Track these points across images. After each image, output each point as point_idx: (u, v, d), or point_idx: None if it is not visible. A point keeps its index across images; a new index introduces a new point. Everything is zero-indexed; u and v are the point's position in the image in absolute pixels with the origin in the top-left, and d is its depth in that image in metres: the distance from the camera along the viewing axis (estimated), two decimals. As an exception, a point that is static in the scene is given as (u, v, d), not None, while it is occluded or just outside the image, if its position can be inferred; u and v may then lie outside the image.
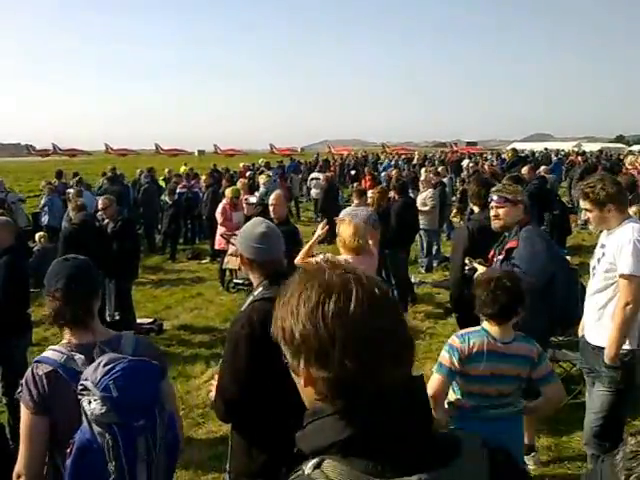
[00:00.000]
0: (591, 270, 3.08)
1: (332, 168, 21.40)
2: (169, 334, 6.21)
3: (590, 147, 41.05)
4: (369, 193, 7.03)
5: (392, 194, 7.25)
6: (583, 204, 2.95)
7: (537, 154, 29.39)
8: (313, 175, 16.15)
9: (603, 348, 2.86)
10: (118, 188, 10.89)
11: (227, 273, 7.96)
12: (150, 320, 6.37)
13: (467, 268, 3.58)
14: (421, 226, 8.38)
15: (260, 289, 2.09)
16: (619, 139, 79.17)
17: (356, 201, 6.54)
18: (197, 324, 6.47)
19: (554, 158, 24.64)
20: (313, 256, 4.13)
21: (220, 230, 7.95)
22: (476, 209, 4.36)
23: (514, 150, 14.94)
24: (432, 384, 2.47)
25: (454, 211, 9.80)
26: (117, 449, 1.59)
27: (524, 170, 8.19)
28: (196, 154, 55.13)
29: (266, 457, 2.04)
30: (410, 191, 9.46)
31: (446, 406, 2.57)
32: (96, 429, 1.59)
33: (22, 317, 3.89)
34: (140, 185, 12.27)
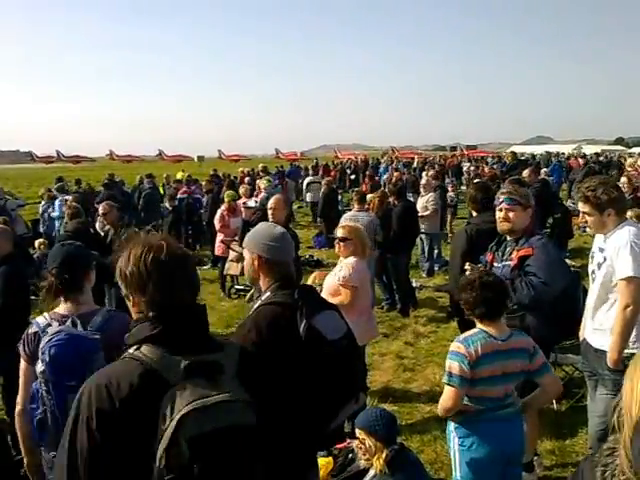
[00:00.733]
0: (590, 274, 3.07)
1: (332, 173, 21.42)
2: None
3: (590, 149, 41.07)
4: (368, 197, 7.04)
5: (391, 198, 7.23)
6: (583, 207, 2.93)
7: (537, 157, 29.41)
8: (308, 179, 16.20)
9: (605, 351, 2.85)
10: (115, 194, 10.91)
11: (228, 279, 7.95)
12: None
13: (468, 275, 3.56)
14: (422, 230, 8.37)
15: (268, 293, 2.07)
16: (619, 141, 79.27)
17: (357, 206, 6.53)
18: (198, 330, 6.45)
19: (553, 160, 24.65)
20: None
21: (219, 236, 7.96)
22: (474, 213, 4.36)
23: (514, 153, 14.97)
24: (447, 397, 2.44)
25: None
26: (50, 400, 2.09)
27: (525, 173, 8.19)
28: (195, 160, 55.18)
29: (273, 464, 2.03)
30: (410, 195, 9.47)
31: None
32: (41, 382, 2.11)
33: (23, 326, 3.86)
34: (140, 191, 12.29)
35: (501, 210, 3.33)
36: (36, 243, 8.26)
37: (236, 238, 7.09)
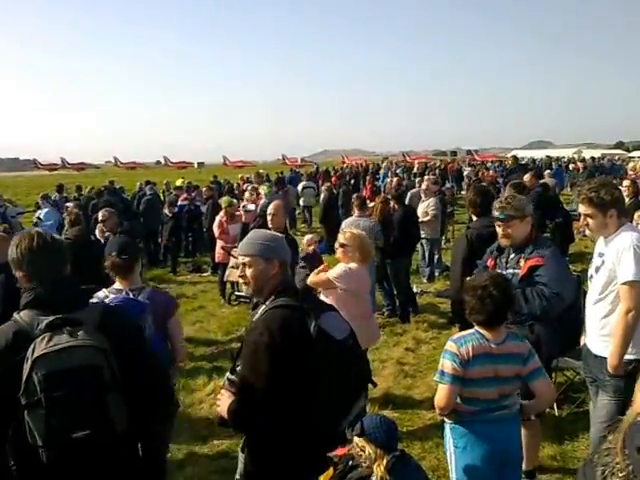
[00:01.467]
0: (589, 279, 3.06)
1: (333, 178, 21.43)
2: (171, 348, 6.19)
3: (590, 153, 41.05)
4: (371, 203, 7.05)
5: (392, 203, 7.23)
6: (585, 209, 2.89)
7: (538, 161, 29.43)
8: (302, 184, 16.28)
9: (605, 357, 2.84)
10: (112, 200, 10.93)
11: (228, 286, 7.94)
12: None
13: (478, 277, 3.54)
14: (422, 235, 8.36)
15: (272, 297, 2.11)
16: (619, 145, 79.27)
17: (357, 211, 6.52)
18: (199, 337, 6.43)
19: (554, 165, 24.65)
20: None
21: (219, 243, 7.96)
22: (474, 217, 4.36)
23: (515, 158, 14.96)
24: (441, 395, 2.47)
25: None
26: None
27: (526, 177, 8.18)
28: (195, 166, 55.34)
29: (288, 466, 2.05)
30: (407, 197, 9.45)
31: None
32: None
33: None
34: (140, 198, 12.32)
35: (499, 227, 3.32)
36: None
37: (237, 244, 7.09)
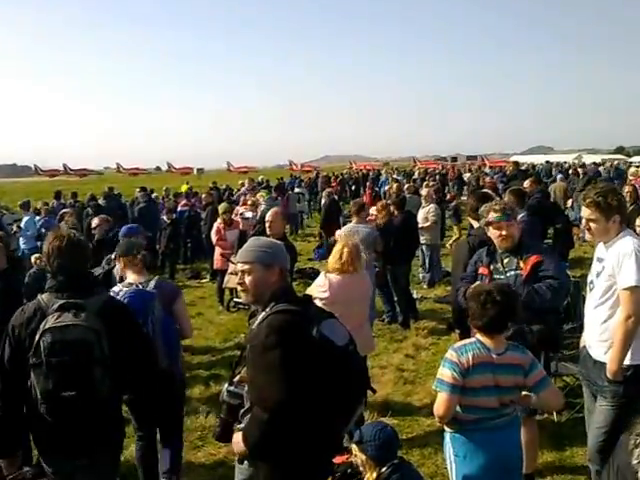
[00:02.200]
0: (588, 284, 3.05)
1: (333, 184, 21.46)
2: (168, 355, 6.14)
3: (591, 159, 41.08)
4: (372, 210, 7.00)
5: (392, 209, 7.21)
6: (590, 213, 2.85)
7: (538, 167, 29.43)
8: (296, 190, 16.39)
9: (604, 363, 2.82)
10: (108, 205, 10.92)
11: (227, 292, 7.91)
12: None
13: (481, 284, 3.54)
14: (422, 241, 8.34)
15: (273, 303, 2.10)
16: (619, 150, 79.41)
17: (355, 218, 6.47)
18: (197, 344, 6.37)
19: (554, 171, 24.67)
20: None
21: (217, 250, 7.94)
22: (475, 224, 4.34)
23: (516, 163, 14.95)
24: (440, 404, 2.47)
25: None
26: None
27: (526, 183, 8.18)
28: (195, 172, 55.55)
29: (296, 475, 2.05)
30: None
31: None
32: None
33: None
34: (138, 204, 12.33)
35: (500, 228, 3.34)
36: (32, 258, 8.19)
37: (234, 251, 7.07)
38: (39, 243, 9.00)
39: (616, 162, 29.80)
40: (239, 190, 17.13)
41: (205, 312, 7.89)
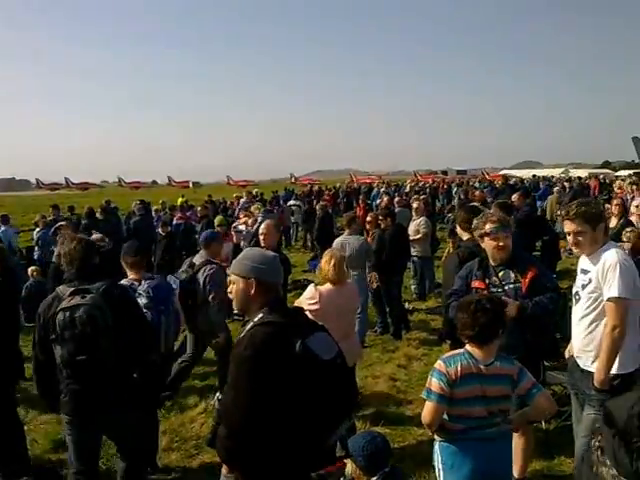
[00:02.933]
0: (574, 296, 3.09)
1: (326, 197, 21.61)
2: (163, 366, 6.16)
3: (578, 173, 41.61)
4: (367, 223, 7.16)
5: (382, 221, 7.32)
6: (575, 227, 2.88)
7: (526, 181, 29.80)
8: (290, 203, 16.51)
9: (591, 372, 2.87)
10: (110, 218, 10.95)
11: (221, 304, 7.97)
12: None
13: (470, 296, 3.55)
14: (413, 253, 8.44)
15: (260, 315, 2.11)
16: (605, 165, 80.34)
17: (347, 230, 6.60)
18: (191, 355, 6.41)
19: (542, 185, 24.99)
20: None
21: (212, 262, 8.02)
22: (465, 236, 4.37)
23: (504, 177, 15.18)
24: (426, 412, 2.51)
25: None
26: (151, 317, 3.70)
27: (514, 197, 8.34)
28: (191, 186, 55.79)
29: None
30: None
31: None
32: (145, 308, 3.61)
33: (12, 353, 3.82)
34: (134, 216, 12.37)
35: (497, 239, 3.34)
36: (29, 270, 8.22)
37: (228, 264, 7.15)
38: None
39: (602, 176, 30.28)
40: (233, 203, 17.27)
41: (199, 324, 7.92)
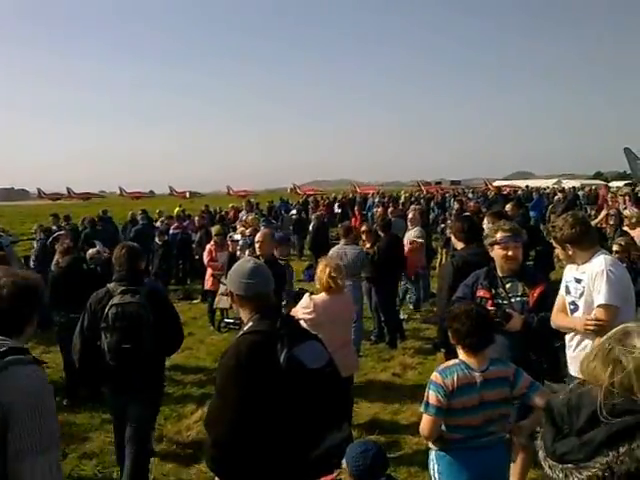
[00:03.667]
0: (568, 305, 3.10)
1: (321, 207, 21.70)
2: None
3: (570, 184, 41.91)
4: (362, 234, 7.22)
5: (378, 231, 7.38)
6: (561, 249, 2.96)
7: (519, 192, 30.01)
8: (291, 213, 16.60)
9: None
10: (107, 227, 11.02)
11: (217, 313, 7.99)
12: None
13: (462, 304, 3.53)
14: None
15: (250, 323, 2.15)
16: (597, 175, 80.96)
17: (343, 239, 6.66)
18: (188, 364, 6.44)
19: (535, 195, 25.19)
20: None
21: (209, 271, 8.08)
22: (460, 245, 4.37)
23: (497, 188, 15.32)
24: (425, 425, 2.51)
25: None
26: None
27: (508, 207, 8.41)
28: (187, 196, 56.03)
29: None
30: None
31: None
32: None
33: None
34: (127, 227, 12.43)
35: (507, 248, 3.25)
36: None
37: (225, 273, 7.19)
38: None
39: (594, 187, 30.55)
40: (228, 213, 17.35)
41: (196, 332, 7.94)
